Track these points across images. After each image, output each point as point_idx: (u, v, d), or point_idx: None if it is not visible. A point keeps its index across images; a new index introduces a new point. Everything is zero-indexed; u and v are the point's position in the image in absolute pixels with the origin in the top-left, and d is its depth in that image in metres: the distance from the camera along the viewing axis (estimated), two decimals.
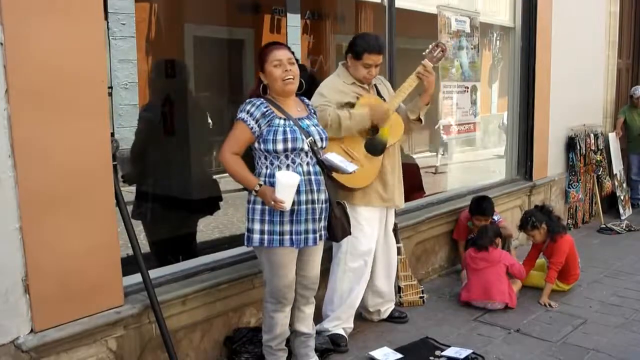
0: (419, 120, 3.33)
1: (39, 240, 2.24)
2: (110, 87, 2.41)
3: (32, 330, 2.27)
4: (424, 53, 3.26)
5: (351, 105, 3.16)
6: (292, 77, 2.59)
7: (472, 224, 4.40)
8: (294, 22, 4.30)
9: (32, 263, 2.23)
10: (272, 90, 2.63)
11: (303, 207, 2.58)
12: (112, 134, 2.49)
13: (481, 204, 4.37)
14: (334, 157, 2.67)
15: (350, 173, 2.71)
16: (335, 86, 3.18)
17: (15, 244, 2.19)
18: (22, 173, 2.18)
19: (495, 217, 4.47)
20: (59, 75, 2.25)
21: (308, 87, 2.73)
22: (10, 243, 2.18)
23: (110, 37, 2.44)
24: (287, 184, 2.45)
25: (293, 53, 2.65)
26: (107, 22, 2.43)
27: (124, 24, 3.23)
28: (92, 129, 2.37)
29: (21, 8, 2.13)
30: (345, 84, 3.19)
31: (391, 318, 3.64)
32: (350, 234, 2.86)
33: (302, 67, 2.73)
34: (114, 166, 2.49)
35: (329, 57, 4.60)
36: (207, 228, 3.91)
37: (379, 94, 3.31)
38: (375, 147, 3.19)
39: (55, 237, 2.28)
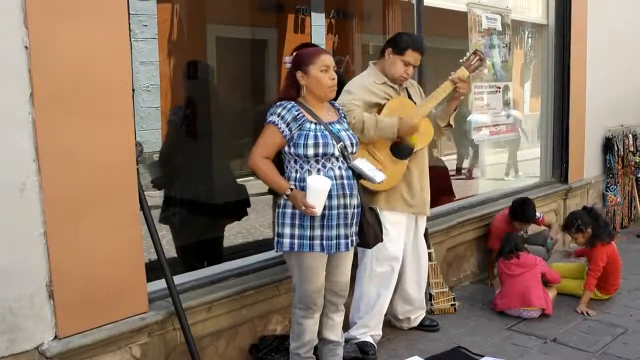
0: (449, 125, 3.28)
1: (63, 246, 2.23)
2: (132, 90, 2.38)
3: (56, 337, 2.26)
4: (460, 60, 3.20)
5: (379, 106, 3.10)
6: (335, 85, 2.59)
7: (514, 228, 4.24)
8: (318, 22, 4.26)
9: (56, 268, 2.21)
10: (310, 93, 2.59)
11: (334, 212, 2.54)
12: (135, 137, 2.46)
13: (525, 210, 4.22)
14: (363, 164, 2.64)
15: (378, 183, 2.67)
16: (364, 85, 3.12)
17: (39, 249, 2.18)
18: (47, 177, 2.17)
19: (537, 214, 4.37)
20: (84, 78, 2.24)
21: (338, 89, 2.69)
22: (34, 248, 2.17)
23: (131, 39, 2.42)
24: (318, 189, 2.42)
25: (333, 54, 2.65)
26: (129, 24, 2.40)
27: (145, 26, 3.23)
28: (117, 132, 2.35)
29: (46, 11, 2.13)
30: (375, 84, 3.13)
31: (422, 326, 3.57)
32: (382, 240, 2.80)
33: (338, 63, 2.71)
34: (137, 170, 2.47)
35: (356, 58, 4.54)
36: (230, 233, 3.90)
37: (409, 96, 3.25)
38: (401, 151, 3.12)
39: (79, 242, 2.27)
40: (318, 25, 4.29)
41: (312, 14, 4.24)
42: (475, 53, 3.20)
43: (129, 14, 2.39)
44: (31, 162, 2.14)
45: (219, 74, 3.93)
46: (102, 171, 2.31)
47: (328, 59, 2.57)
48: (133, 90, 2.37)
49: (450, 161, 5.67)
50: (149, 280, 2.58)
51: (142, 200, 2.47)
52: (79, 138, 2.24)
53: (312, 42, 4.24)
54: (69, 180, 2.22)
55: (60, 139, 2.19)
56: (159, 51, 3.37)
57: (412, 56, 3.08)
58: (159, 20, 3.35)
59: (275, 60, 4.27)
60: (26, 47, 2.09)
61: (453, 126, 3.31)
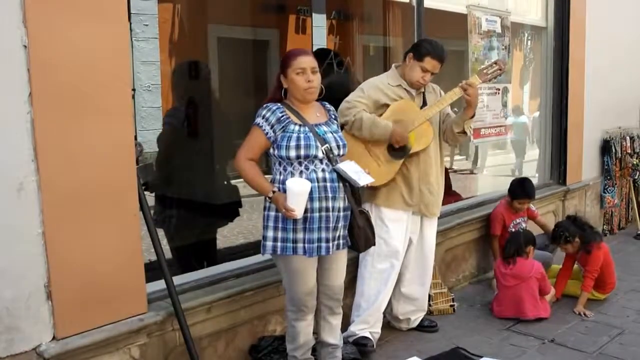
0: (464, 133, 3.27)
1: (61, 246, 2.21)
2: (133, 90, 2.36)
3: (54, 338, 2.24)
4: (479, 68, 3.23)
5: (388, 107, 3.15)
6: (313, 87, 2.55)
7: (516, 209, 4.30)
8: (319, 23, 4.26)
9: (54, 269, 2.20)
10: (292, 95, 2.60)
11: (316, 214, 2.50)
12: (135, 137, 2.45)
13: (525, 186, 4.29)
14: (349, 167, 2.58)
15: (360, 186, 2.62)
16: (377, 85, 3.18)
17: (37, 250, 2.17)
18: (45, 177, 2.15)
19: (532, 207, 4.41)
20: (83, 78, 2.22)
21: (339, 87, 2.68)
22: (32, 248, 2.16)
23: (132, 39, 2.42)
24: (297, 192, 2.39)
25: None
26: (130, 24, 2.39)
27: (146, 25, 3.22)
28: (116, 132, 2.34)
29: (45, 10, 2.12)
30: (389, 85, 3.19)
31: (421, 327, 3.57)
32: (374, 244, 2.78)
33: (339, 64, 2.68)
34: (137, 170, 2.45)
35: (356, 58, 4.54)
36: (231, 233, 3.87)
37: (424, 102, 3.27)
38: (397, 152, 3.15)
39: (78, 242, 2.26)
40: (319, 26, 4.29)
41: (314, 15, 4.24)
42: (496, 62, 3.22)
43: (129, 13, 2.38)
44: (30, 162, 2.12)
45: (220, 75, 3.92)
46: (101, 171, 2.30)
47: (304, 61, 2.52)
48: (134, 90, 2.36)
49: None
50: (148, 280, 2.56)
51: (142, 200, 2.46)
52: (78, 138, 2.22)
53: (313, 42, 4.25)
54: (67, 180, 2.21)
55: (59, 138, 2.17)
56: (160, 51, 3.37)
57: (430, 63, 3.11)
58: (160, 20, 3.34)
59: (277, 61, 4.28)
60: (25, 46, 2.07)
61: (469, 134, 3.29)
